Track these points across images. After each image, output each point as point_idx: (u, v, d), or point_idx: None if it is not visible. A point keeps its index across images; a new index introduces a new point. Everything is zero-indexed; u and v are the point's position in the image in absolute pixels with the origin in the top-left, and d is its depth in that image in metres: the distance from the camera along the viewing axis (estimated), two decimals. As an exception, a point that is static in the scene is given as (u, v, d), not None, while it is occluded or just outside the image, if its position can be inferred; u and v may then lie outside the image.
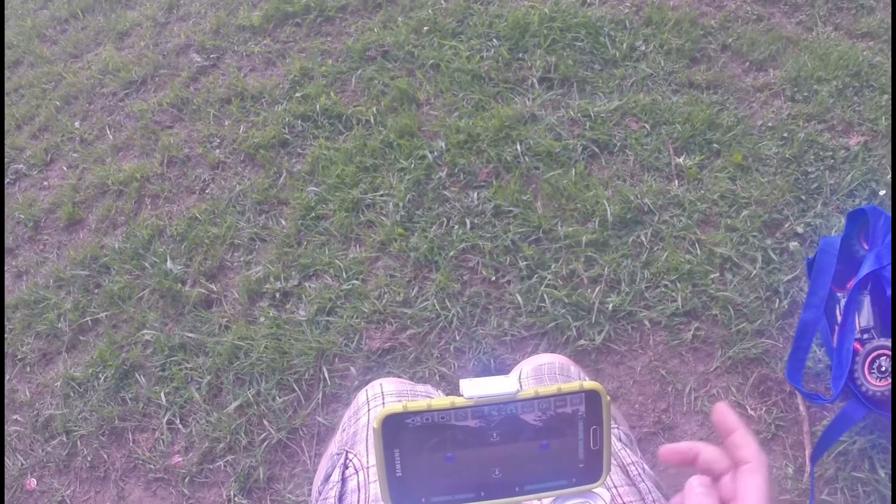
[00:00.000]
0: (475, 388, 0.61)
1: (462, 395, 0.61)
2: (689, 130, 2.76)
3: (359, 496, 1.05)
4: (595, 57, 3.13)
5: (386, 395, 1.26)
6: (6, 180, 3.51)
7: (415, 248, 2.64)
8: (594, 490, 0.66)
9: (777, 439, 2.11)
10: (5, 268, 3.13)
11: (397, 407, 0.60)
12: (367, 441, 1.15)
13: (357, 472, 1.09)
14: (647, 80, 3.00)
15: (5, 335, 2.87)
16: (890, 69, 2.82)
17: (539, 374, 1.32)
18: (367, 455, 1.11)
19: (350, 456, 1.13)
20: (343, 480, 1.09)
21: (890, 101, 2.72)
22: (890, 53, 2.89)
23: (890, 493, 1.94)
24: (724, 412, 0.66)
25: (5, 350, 2.83)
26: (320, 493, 1.12)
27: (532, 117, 2.95)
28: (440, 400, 0.61)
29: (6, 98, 3.96)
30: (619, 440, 1.14)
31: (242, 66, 3.64)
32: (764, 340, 2.27)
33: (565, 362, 1.38)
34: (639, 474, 1.04)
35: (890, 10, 3.05)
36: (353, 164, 2.96)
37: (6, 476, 2.52)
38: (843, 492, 1.98)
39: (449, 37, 3.37)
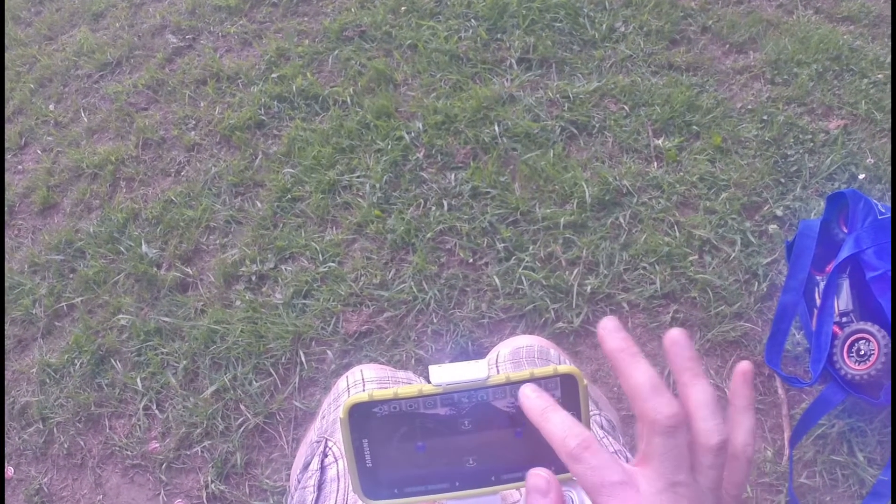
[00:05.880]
0: (443, 375, 0.59)
1: (430, 382, 0.59)
2: (668, 112, 2.75)
3: (338, 485, 1.03)
4: (574, 38, 3.11)
5: (367, 381, 1.23)
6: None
7: (392, 230, 2.63)
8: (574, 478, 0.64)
9: (756, 422, 2.11)
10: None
11: (363, 396, 0.58)
12: None
13: (336, 460, 1.07)
14: (627, 61, 2.99)
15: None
16: (874, 53, 2.82)
17: (517, 358, 1.27)
18: None
19: (329, 444, 1.11)
20: (322, 469, 1.07)
21: (869, 86, 2.72)
22: (871, 38, 2.89)
23: (867, 476, 1.95)
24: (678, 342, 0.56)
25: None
26: (299, 481, 1.10)
27: (510, 98, 2.93)
28: (407, 388, 0.59)
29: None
30: (602, 427, 1.11)
31: (218, 47, 3.59)
32: (743, 323, 2.27)
33: (545, 345, 1.32)
34: None
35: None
36: (330, 145, 2.93)
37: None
38: (821, 475, 1.99)
39: (427, 17, 3.34)
